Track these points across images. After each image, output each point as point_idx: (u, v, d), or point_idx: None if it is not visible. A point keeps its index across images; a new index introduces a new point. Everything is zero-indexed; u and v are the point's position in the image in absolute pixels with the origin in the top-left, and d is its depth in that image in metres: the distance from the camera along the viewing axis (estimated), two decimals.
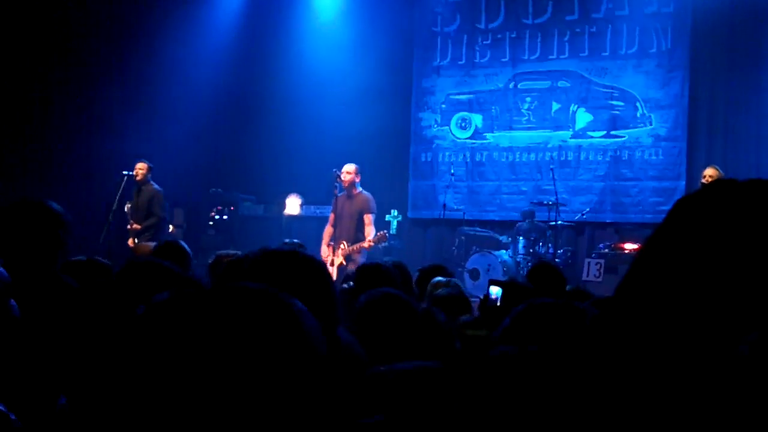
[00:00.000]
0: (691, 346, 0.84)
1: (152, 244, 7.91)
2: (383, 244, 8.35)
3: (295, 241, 5.19)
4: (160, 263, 1.97)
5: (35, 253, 2.71)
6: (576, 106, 10.93)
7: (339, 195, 8.20)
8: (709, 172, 8.16)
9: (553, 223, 9.73)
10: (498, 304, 2.90)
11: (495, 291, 2.97)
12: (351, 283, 3.65)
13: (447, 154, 11.68)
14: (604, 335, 0.93)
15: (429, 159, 11.83)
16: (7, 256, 2.59)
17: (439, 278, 3.75)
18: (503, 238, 10.13)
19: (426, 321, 2.53)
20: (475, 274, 9.70)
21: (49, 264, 2.76)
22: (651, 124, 10.49)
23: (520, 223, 10.06)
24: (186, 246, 4.30)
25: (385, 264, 3.67)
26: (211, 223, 11.41)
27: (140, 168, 9.10)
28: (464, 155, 11.57)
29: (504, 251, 9.92)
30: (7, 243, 2.70)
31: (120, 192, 9.03)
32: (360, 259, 7.91)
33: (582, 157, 10.87)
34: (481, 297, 3.10)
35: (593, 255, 9.53)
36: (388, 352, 2.10)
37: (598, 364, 0.91)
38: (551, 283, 4.18)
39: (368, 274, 3.43)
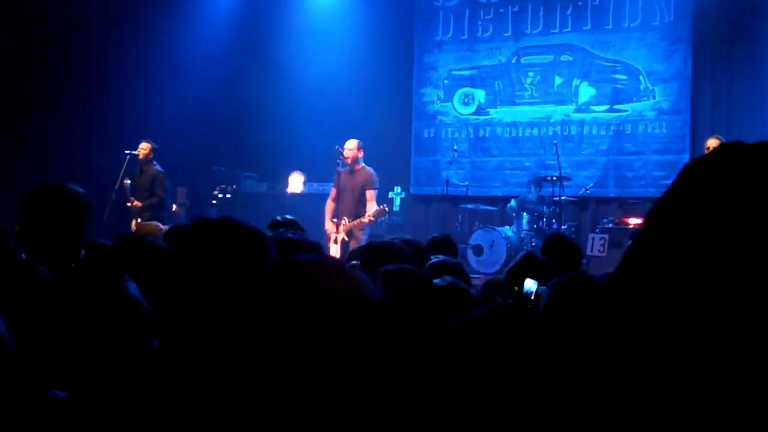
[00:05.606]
0: (700, 325, 0.81)
1: (155, 223, 7.90)
2: (384, 219, 8.31)
3: (288, 217, 5.13)
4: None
5: (60, 237, 2.77)
6: (579, 80, 10.86)
7: (342, 170, 8.16)
8: (712, 143, 8.13)
9: (557, 198, 9.69)
10: (532, 298, 2.85)
11: (529, 285, 2.93)
12: (356, 261, 3.59)
13: (450, 129, 11.63)
14: (602, 314, 0.89)
15: (432, 135, 11.78)
16: (34, 243, 2.66)
17: (438, 257, 3.73)
18: (512, 208, 9.95)
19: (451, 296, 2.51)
20: (478, 250, 9.68)
21: (74, 248, 2.82)
22: (654, 98, 10.42)
23: (522, 198, 9.94)
24: None
25: (395, 241, 3.60)
26: (213, 201, 11.39)
27: (143, 148, 9.05)
28: (467, 131, 11.53)
29: (508, 227, 9.90)
30: (32, 229, 2.77)
31: (123, 171, 9.02)
32: (361, 235, 7.89)
33: (585, 132, 10.82)
34: (485, 273, 3.08)
35: (597, 230, 9.53)
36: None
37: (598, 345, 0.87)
38: (567, 257, 4.13)
39: (377, 252, 3.31)
